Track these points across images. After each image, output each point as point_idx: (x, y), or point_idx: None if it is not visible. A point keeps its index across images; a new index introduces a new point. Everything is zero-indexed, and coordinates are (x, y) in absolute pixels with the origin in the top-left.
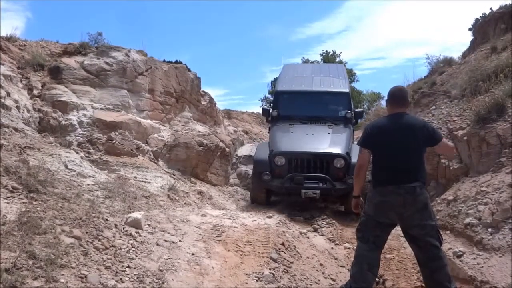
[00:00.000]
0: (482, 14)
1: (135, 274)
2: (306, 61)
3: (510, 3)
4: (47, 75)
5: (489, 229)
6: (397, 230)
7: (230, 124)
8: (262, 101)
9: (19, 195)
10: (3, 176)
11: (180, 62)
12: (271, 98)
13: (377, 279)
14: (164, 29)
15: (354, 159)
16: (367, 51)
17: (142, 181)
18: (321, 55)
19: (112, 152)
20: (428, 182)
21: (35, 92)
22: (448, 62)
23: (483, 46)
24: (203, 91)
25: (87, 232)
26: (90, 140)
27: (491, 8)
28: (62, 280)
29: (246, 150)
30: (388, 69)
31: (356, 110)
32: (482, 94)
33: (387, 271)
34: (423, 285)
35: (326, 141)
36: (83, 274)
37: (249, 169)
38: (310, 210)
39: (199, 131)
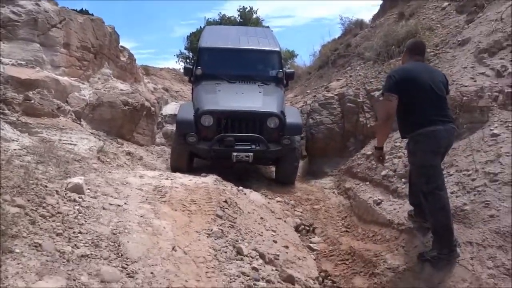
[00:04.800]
0: None
1: (89, 239)
2: (223, 16)
3: None
4: None
5: (403, 179)
6: (321, 183)
7: (149, 81)
8: (178, 57)
9: None
10: None
11: (87, 12)
12: (188, 54)
13: (307, 228)
14: None
15: (289, 118)
16: (275, 9)
17: (68, 143)
18: (238, 10)
19: (31, 113)
20: (348, 138)
21: None
22: (360, 24)
23: (391, 10)
24: (121, 47)
25: (29, 200)
26: (3, 100)
27: None
28: (17, 250)
29: (171, 109)
30: (296, 27)
31: (287, 70)
32: (394, 57)
33: (315, 220)
34: (347, 229)
35: (258, 100)
36: (37, 242)
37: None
38: (241, 176)
39: (121, 89)
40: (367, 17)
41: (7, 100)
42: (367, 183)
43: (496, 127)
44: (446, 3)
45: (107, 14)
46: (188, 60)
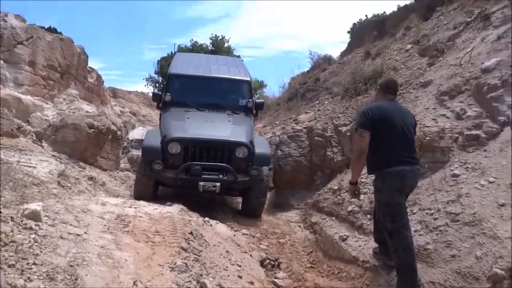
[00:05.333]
0: (359, 20)
1: (43, 272)
2: (195, 43)
3: (381, 13)
4: None
5: (368, 216)
6: (287, 216)
7: (116, 104)
8: (147, 81)
9: None
10: None
11: (55, 30)
12: (158, 79)
13: (272, 263)
14: None
15: (258, 149)
16: (246, 39)
17: (27, 165)
18: (211, 38)
19: None
20: (315, 172)
21: None
22: (328, 60)
23: (358, 49)
24: (89, 67)
25: None
26: None
27: (366, 15)
28: None
29: (137, 133)
30: (265, 58)
31: (257, 100)
32: (361, 94)
33: (281, 254)
34: (313, 265)
35: (227, 129)
36: None
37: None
38: (206, 207)
39: (87, 111)
40: (335, 53)
41: None
42: (333, 218)
43: (456, 167)
44: (409, 46)
45: (75, 32)
46: (157, 85)
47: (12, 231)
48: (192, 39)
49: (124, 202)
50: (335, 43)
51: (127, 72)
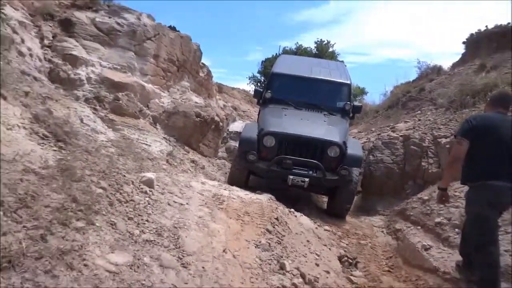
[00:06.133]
0: (478, 30)
1: (154, 228)
2: (300, 47)
3: (507, 23)
4: (58, 27)
5: (456, 229)
6: (371, 220)
7: (220, 98)
8: (249, 79)
9: (49, 142)
10: (33, 122)
11: (174, 28)
12: (260, 78)
13: (350, 261)
14: None
15: (350, 150)
16: (351, 45)
17: (144, 143)
18: (316, 42)
19: (117, 112)
20: (406, 180)
21: (46, 42)
22: (437, 70)
23: (473, 61)
24: (202, 63)
25: (110, 185)
26: (97, 97)
27: (486, 26)
28: (97, 224)
29: (237, 126)
30: (370, 65)
31: (355, 103)
32: (468, 107)
33: (360, 255)
34: (390, 270)
35: (322, 128)
36: (113, 221)
37: (237, 145)
38: (292, 201)
39: (196, 102)
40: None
41: (99, 98)
42: (419, 227)
43: None
44: None
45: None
46: (259, 84)
47: (132, 192)
48: (297, 42)
49: (220, 184)
50: (447, 54)
51: (232, 70)
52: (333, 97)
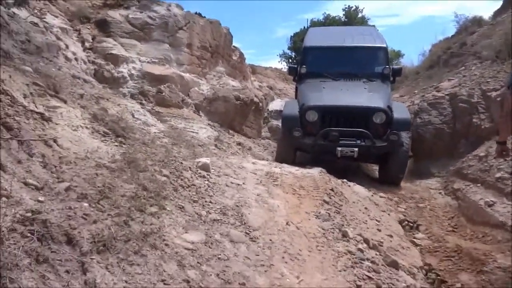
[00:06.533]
0: None
1: (218, 208)
2: (328, 16)
3: None
4: (95, 28)
5: None
6: (426, 183)
7: (255, 79)
8: (280, 57)
9: (110, 139)
10: (93, 122)
11: (200, 14)
12: (291, 54)
13: (411, 224)
14: None
15: (396, 114)
16: (381, 7)
17: (191, 131)
18: (344, 10)
19: (162, 104)
20: (458, 139)
21: (86, 44)
22: (477, 21)
23: None
24: (233, 46)
25: (171, 172)
26: (141, 92)
27: None
28: (168, 208)
29: (276, 105)
30: (402, 26)
31: (394, 67)
32: None
33: (420, 217)
34: (454, 229)
35: (363, 96)
36: (181, 205)
37: (279, 123)
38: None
39: (233, 86)
40: (486, 14)
41: (144, 92)
42: (479, 184)
43: None
44: None
45: (211, 15)
46: (290, 60)
47: (191, 177)
48: (324, 12)
49: (270, 163)
50: (486, 3)
51: (261, 50)
52: (370, 63)
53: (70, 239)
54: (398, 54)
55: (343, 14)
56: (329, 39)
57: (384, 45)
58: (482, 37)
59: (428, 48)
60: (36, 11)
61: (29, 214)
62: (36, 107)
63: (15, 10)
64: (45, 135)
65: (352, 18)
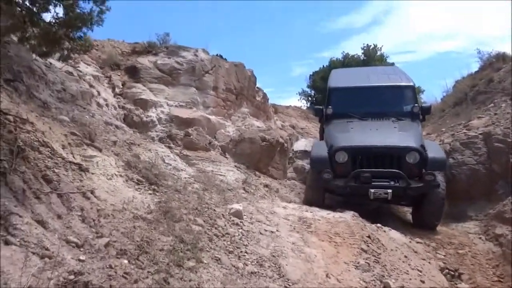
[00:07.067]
0: None
1: (254, 259)
2: (347, 55)
3: None
4: (125, 74)
5: None
6: (464, 227)
7: (277, 118)
8: (299, 95)
9: (144, 187)
10: (126, 169)
11: (221, 56)
12: (310, 92)
13: (452, 273)
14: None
15: (431, 153)
16: (396, 45)
17: (219, 174)
18: (362, 48)
19: (190, 147)
20: (496, 181)
21: (117, 90)
22: (501, 57)
23: None
24: (257, 88)
25: (205, 221)
26: (169, 135)
27: None
28: (205, 261)
29: (301, 145)
30: (418, 62)
31: (423, 105)
32: None
33: (461, 265)
34: (500, 279)
35: (394, 135)
36: (217, 257)
37: (305, 163)
38: (374, 216)
39: (258, 126)
40: (505, 47)
41: (172, 136)
42: None
43: None
44: None
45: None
46: (310, 98)
47: (225, 225)
48: (343, 51)
49: (300, 207)
50: (505, 38)
51: (278, 88)
52: (398, 102)
53: None
54: (419, 90)
55: (362, 53)
56: (353, 79)
57: (412, 84)
58: (509, 73)
59: (451, 84)
60: (70, 60)
61: (72, 277)
62: (74, 157)
63: (51, 60)
64: (83, 186)
65: (371, 56)
